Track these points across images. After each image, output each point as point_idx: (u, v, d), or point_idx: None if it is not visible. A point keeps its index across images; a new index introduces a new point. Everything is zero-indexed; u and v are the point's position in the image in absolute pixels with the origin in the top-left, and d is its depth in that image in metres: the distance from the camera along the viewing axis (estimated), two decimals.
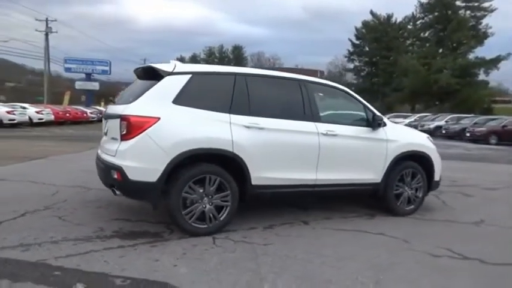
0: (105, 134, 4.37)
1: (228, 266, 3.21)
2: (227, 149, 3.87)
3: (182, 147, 3.71)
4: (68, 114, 28.35)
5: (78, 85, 41.78)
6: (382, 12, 55.35)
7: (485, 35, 41.80)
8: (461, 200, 6.16)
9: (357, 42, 57.16)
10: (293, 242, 3.87)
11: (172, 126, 3.74)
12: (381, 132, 4.81)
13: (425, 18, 45.81)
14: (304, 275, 3.09)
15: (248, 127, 4.01)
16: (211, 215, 3.89)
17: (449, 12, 42.93)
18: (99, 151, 4.41)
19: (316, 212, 4.95)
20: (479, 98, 40.23)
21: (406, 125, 28.26)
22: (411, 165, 5.01)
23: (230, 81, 4.10)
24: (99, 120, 18.89)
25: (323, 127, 4.42)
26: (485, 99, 41.35)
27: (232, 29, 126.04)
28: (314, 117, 4.42)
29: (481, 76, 42.56)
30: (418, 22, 47.06)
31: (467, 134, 21.71)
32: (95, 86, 41.85)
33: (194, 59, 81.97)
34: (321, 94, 4.85)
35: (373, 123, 4.77)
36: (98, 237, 3.76)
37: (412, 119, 31.85)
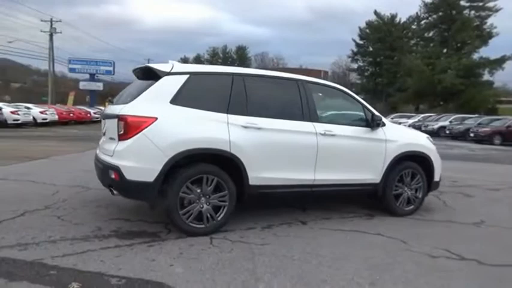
0: (104, 134, 4.39)
1: (224, 265, 3.21)
2: (224, 149, 3.88)
3: (179, 147, 3.71)
4: (71, 115, 28.53)
5: (83, 85, 42.03)
6: (386, 12, 55.38)
7: (490, 35, 41.53)
8: (462, 201, 6.12)
9: (361, 42, 57.01)
10: (290, 242, 3.86)
11: (169, 126, 3.75)
12: (380, 133, 4.80)
13: (430, 18, 45.59)
14: (300, 275, 3.09)
15: (246, 127, 4.01)
16: (208, 215, 3.90)
17: (454, 12, 42.69)
18: (97, 151, 4.43)
19: (315, 212, 4.94)
20: (483, 99, 39.98)
21: (409, 125, 28.34)
22: (410, 165, 4.99)
23: (228, 81, 4.11)
24: None
25: (321, 127, 4.41)
26: (490, 99, 41.09)
27: (236, 29, 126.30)
28: (312, 117, 4.41)
29: (486, 76, 42.33)
30: (422, 22, 46.85)
31: (472, 135, 21.61)
32: (98, 86, 42.04)
33: (198, 60, 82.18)
34: (319, 94, 4.85)
35: (372, 123, 4.75)
36: (95, 236, 3.77)
37: (416, 119, 31.74)
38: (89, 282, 2.82)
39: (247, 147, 3.97)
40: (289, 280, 2.98)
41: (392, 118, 33.80)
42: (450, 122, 26.53)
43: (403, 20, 53.22)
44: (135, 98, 3.82)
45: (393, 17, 54.53)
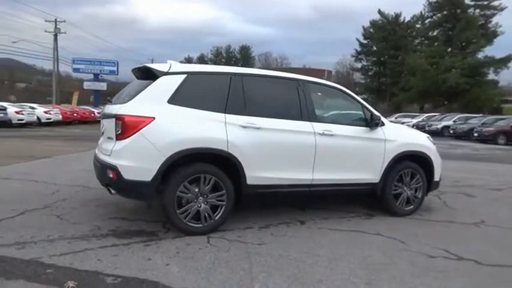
0: (102, 133, 4.41)
1: (220, 265, 3.22)
2: (222, 149, 3.88)
3: (177, 146, 3.72)
4: (75, 114, 28.68)
5: (87, 85, 42.17)
6: (390, 11, 55.27)
7: (495, 34, 41.21)
8: (463, 201, 6.09)
9: (365, 41, 56.82)
10: (288, 241, 3.86)
11: (167, 126, 3.76)
12: (379, 132, 4.78)
13: (434, 17, 45.32)
14: (295, 274, 3.09)
15: (244, 127, 4.01)
16: (206, 215, 3.91)
17: (458, 11, 42.42)
18: (96, 151, 4.45)
19: (314, 212, 4.94)
20: (488, 98, 39.69)
21: (413, 124, 28.22)
22: (410, 165, 4.97)
23: (226, 81, 4.11)
24: None
25: (320, 127, 4.40)
26: (495, 99, 40.79)
27: (240, 29, 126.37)
28: (311, 117, 4.41)
29: (491, 75, 42.01)
30: (427, 21, 46.56)
31: (475, 134, 21.49)
32: (102, 86, 42.17)
33: (202, 59, 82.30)
34: (318, 94, 4.84)
35: (371, 123, 4.74)
36: (93, 235, 3.79)
37: (420, 119, 31.62)
38: (85, 280, 2.84)
39: (245, 147, 3.97)
40: (285, 280, 2.98)
41: (396, 118, 33.69)
42: (454, 121, 26.40)
43: (407, 19, 53.05)
44: (133, 98, 3.83)
45: (397, 16, 54.31)
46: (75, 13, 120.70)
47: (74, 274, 2.92)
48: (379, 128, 4.79)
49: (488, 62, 40.55)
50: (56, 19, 39.84)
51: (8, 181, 6.31)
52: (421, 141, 5.17)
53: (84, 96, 44.81)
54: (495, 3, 40.59)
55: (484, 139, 20.80)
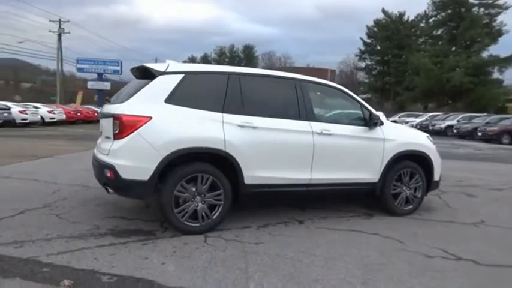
0: (101, 133, 4.42)
1: (216, 264, 3.22)
2: (219, 148, 3.88)
3: (174, 146, 3.73)
4: (79, 114, 28.81)
5: (90, 85, 42.30)
6: (394, 10, 54.90)
7: (500, 33, 40.98)
8: (464, 201, 6.06)
9: (369, 40, 56.65)
10: (285, 241, 3.85)
11: (164, 125, 3.76)
12: (378, 131, 4.76)
13: (438, 16, 45.09)
14: (291, 274, 3.08)
15: (241, 126, 4.01)
16: (203, 214, 3.91)
17: (463, 9, 42.18)
18: (95, 150, 4.46)
19: (313, 212, 4.93)
20: (493, 97, 39.43)
21: (417, 124, 28.08)
22: (409, 164, 4.94)
23: (223, 80, 4.11)
24: None
25: (318, 126, 4.39)
26: (499, 98, 40.52)
27: (244, 29, 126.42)
28: (309, 117, 4.40)
29: (495, 74, 41.78)
30: (431, 20, 46.34)
31: (479, 134, 21.35)
32: (106, 85, 42.25)
33: (205, 59, 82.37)
34: (317, 93, 4.83)
35: (370, 122, 4.72)
36: (91, 234, 3.80)
37: (423, 118, 31.48)
38: (81, 279, 2.85)
39: (243, 146, 3.97)
40: (281, 279, 2.98)
41: (399, 117, 33.58)
42: (458, 121, 26.27)
43: (411, 18, 52.90)
44: (130, 98, 3.84)
45: (401, 15, 54.12)
46: (79, 13, 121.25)
47: (71, 273, 2.93)
48: (378, 128, 4.77)
49: (493, 61, 40.32)
50: (60, 19, 40.08)
51: (9, 180, 6.35)
52: (421, 141, 5.14)
53: (88, 96, 45.00)
54: (500, 2, 40.41)
55: (488, 138, 20.67)
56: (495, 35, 40.93)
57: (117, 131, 3.71)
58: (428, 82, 40.96)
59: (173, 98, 3.85)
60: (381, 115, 4.95)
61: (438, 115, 31.01)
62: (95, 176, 4.26)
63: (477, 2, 41.58)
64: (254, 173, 4.06)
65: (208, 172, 3.90)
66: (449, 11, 43.43)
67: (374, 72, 57.81)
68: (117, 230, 3.96)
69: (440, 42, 44.94)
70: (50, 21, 40.19)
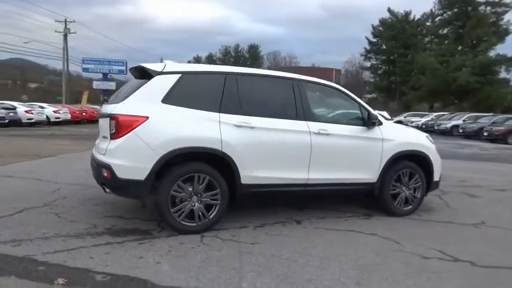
0: (99, 133, 4.44)
1: (211, 264, 3.22)
2: (216, 148, 3.89)
3: (170, 146, 3.74)
4: (84, 114, 29.02)
5: (96, 85, 42.41)
6: (400, 9, 54.61)
7: (507, 32, 40.64)
8: (465, 201, 6.01)
9: (374, 40, 56.44)
10: (282, 241, 3.85)
11: (160, 125, 3.77)
12: (377, 131, 4.74)
13: (444, 14, 44.82)
14: (285, 274, 3.08)
15: (238, 126, 4.01)
16: (200, 214, 3.92)
17: (469, 8, 41.87)
18: (93, 150, 4.49)
19: (312, 212, 4.91)
20: (500, 96, 39.08)
21: (422, 124, 27.86)
22: (408, 165, 4.91)
23: (220, 80, 4.11)
24: None
25: (315, 126, 4.38)
26: (506, 97, 40.11)
27: (249, 28, 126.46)
28: (306, 116, 4.39)
29: (502, 74, 41.44)
30: (437, 19, 46.07)
31: (485, 133, 21.15)
32: (111, 85, 42.31)
33: (210, 58, 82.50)
34: (315, 93, 4.82)
35: (368, 122, 4.70)
36: (88, 233, 3.82)
37: (429, 118, 31.25)
38: (75, 278, 2.87)
39: (239, 146, 3.97)
40: (274, 279, 2.98)
41: (404, 117, 33.39)
42: (464, 120, 26.02)
43: (417, 17, 52.63)
44: (127, 97, 3.86)
45: (407, 14, 53.83)
46: (84, 13, 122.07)
47: (65, 271, 2.95)
48: (377, 127, 4.74)
49: (500, 60, 39.98)
50: (65, 19, 40.34)
51: (12, 179, 6.40)
52: (420, 141, 5.11)
53: (94, 96, 45.22)
54: (507, 1, 40.01)
55: (494, 138, 20.47)
56: (502, 33, 40.58)
57: (113, 131, 3.73)
58: (434, 81, 40.69)
59: (170, 98, 3.86)
60: (385, 114, 4.92)
61: (444, 115, 30.77)
62: (93, 175, 4.29)
63: (484, 0, 41.24)
64: (251, 173, 4.06)
65: (205, 172, 3.90)
66: (456, 10, 43.14)
67: (380, 72, 57.57)
68: (114, 229, 3.98)
69: (446, 42, 44.64)
70: (56, 21, 40.53)
